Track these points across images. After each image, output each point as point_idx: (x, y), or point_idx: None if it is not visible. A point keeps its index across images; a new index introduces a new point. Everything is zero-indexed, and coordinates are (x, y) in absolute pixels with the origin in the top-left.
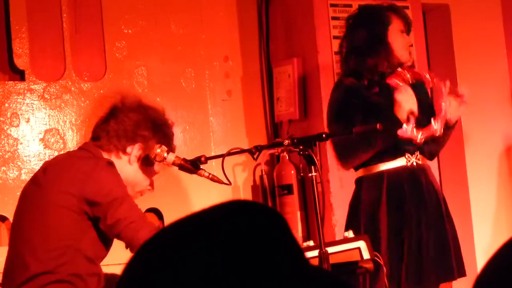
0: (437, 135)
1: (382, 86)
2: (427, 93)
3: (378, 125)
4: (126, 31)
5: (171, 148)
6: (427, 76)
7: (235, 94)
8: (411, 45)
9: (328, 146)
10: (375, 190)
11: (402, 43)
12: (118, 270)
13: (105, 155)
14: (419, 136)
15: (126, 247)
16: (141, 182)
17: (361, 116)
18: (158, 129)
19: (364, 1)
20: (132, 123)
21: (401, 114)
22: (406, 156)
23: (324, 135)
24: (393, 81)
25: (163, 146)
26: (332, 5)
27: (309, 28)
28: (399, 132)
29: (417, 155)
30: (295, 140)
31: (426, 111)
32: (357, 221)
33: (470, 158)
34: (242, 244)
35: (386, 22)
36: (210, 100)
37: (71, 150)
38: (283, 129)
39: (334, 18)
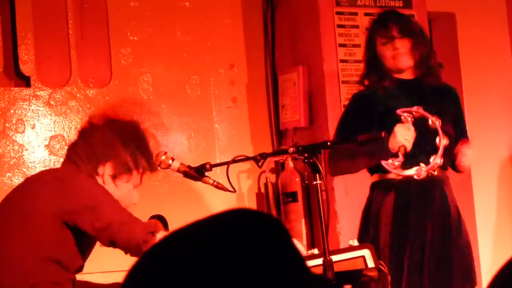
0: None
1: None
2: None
3: (383, 133)
4: (131, 38)
5: (147, 158)
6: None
7: (240, 101)
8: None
9: None
10: (383, 197)
11: (390, 54)
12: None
13: None
14: (400, 174)
15: (125, 252)
16: (122, 199)
17: (366, 122)
18: (129, 143)
19: (368, 10)
20: (98, 142)
21: (393, 145)
22: (420, 165)
23: (329, 143)
24: (401, 113)
25: (168, 153)
26: (337, 13)
27: (315, 36)
28: (384, 163)
29: (434, 166)
30: (300, 148)
31: (426, 145)
32: (366, 227)
33: (475, 165)
34: (243, 253)
35: (374, 36)
36: (215, 107)
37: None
38: (288, 136)
39: (339, 26)
